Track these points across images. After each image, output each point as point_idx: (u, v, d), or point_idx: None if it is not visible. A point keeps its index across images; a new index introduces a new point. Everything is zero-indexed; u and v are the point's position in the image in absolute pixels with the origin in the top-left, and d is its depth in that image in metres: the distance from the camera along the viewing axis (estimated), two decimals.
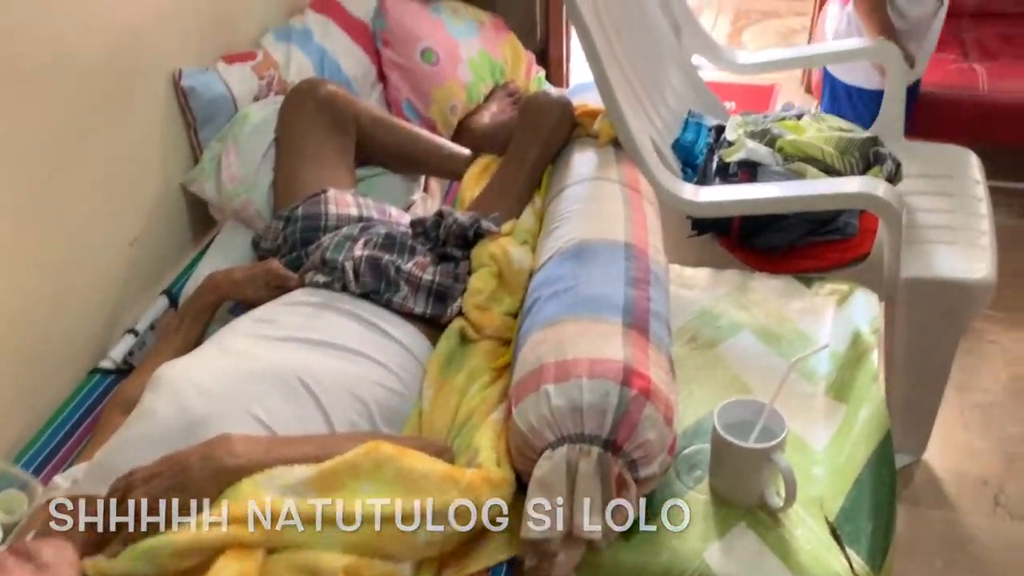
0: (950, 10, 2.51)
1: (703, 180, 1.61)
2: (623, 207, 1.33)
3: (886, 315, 1.50)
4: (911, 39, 1.94)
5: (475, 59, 1.91)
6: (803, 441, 1.16)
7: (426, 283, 1.29)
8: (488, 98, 1.98)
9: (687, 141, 1.69)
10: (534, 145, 1.49)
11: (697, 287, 1.47)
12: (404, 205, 1.69)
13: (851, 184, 1.39)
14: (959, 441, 1.76)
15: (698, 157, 1.65)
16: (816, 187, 1.41)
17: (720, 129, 1.74)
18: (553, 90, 1.62)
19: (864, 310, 1.36)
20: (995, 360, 1.93)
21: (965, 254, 1.53)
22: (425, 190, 1.78)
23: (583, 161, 1.46)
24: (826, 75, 2.16)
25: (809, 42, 3.01)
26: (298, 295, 1.30)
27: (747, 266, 1.57)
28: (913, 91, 2.06)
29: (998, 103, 2.15)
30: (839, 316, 1.36)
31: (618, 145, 1.48)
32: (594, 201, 1.34)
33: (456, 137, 1.90)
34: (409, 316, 1.27)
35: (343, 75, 1.75)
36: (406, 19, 1.84)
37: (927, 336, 1.52)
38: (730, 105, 3.15)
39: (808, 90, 3.01)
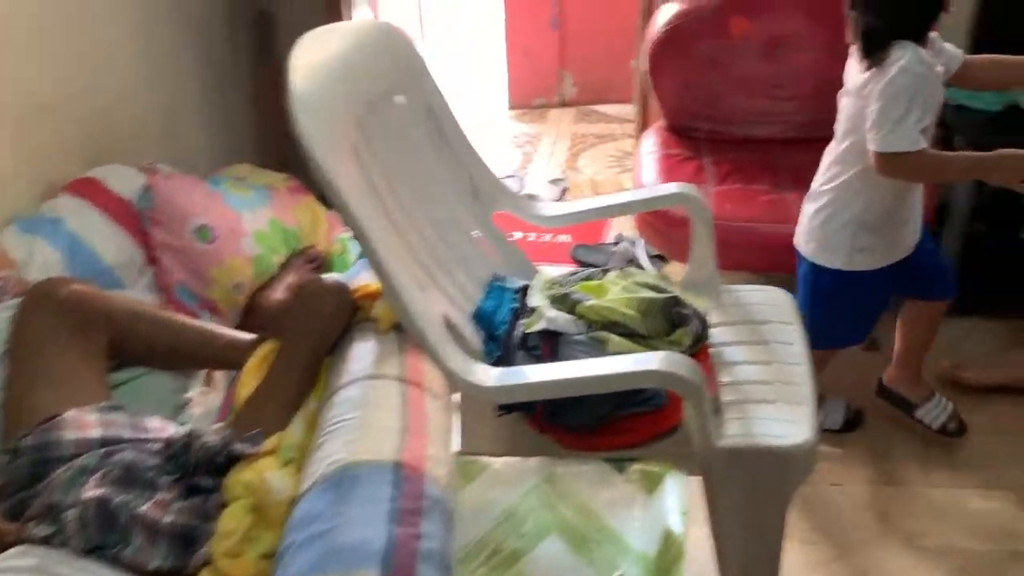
0: (762, 138, 2.56)
1: (506, 354, 1.48)
2: (399, 413, 1.17)
3: (705, 488, 1.39)
4: None
5: (263, 230, 1.77)
6: None
7: (165, 527, 1.09)
8: (284, 268, 1.83)
9: (487, 310, 1.56)
10: (306, 340, 1.34)
11: (501, 483, 1.32)
12: (177, 406, 1.49)
13: (648, 362, 1.28)
14: None
15: (499, 327, 1.53)
16: (611, 366, 1.30)
17: (527, 291, 1.63)
18: (329, 275, 1.48)
19: (675, 499, 1.25)
20: (839, 506, 1.85)
21: (784, 414, 1.44)
22: (208, 383, 1.59)
23: (360, 354, 1.31)
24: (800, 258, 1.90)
25: (633, 170, 3.01)
26: (11, 557, 1.07)
27: (557, 445, 1.44)
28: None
29: None
30: (649, 509, 1.24)
31: (403, 329, 1.34)
32: (366, 408, 1.18)
33: (246, 316, 1.73)
34: (143, 573, 1.06)
35: (101, 264, 1.57)
36: (177, 196, 1.68)
37: (752, 506, 1.41)
38: (566, 238, 3.13)
39: None
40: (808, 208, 1.87)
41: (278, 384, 1.31)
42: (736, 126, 2.55)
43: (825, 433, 2.01)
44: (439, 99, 1.69)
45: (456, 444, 1.55)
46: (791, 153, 2.46)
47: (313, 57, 1.33)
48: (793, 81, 2.50)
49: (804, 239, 1.88)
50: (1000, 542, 1.76)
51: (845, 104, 1.77)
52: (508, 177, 3.66)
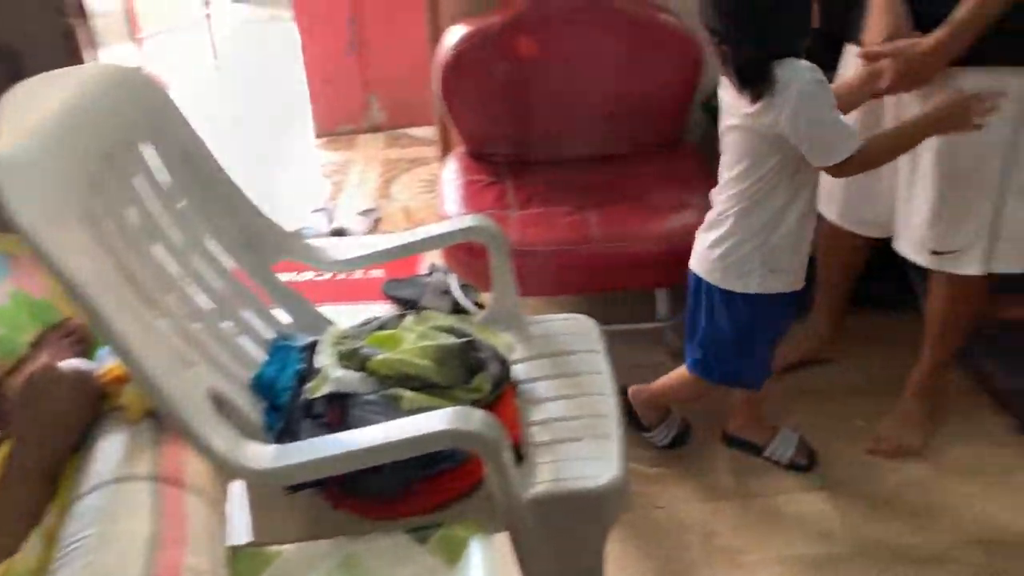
0: (562, 159, 2.53)
1: (290, 425, 1.34)
2: (149, 520, 1.01)
3: (513, 543, 1.30)
4: None
5: (4, 305, 1.53)
6: None
7: None
8: (37, 347, 1.60)
9: (268, 376, 1.42)
10: (40, 441, 1.14)
11: (292, 575, 1.18)
12: None
13: (437, 422, 1.18)
14: None
15: (282, 394, 1.39)
16: (397, 431, 1.19)
17: (315, 348, 1.50)
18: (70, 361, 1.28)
19: (479, 566, 1.15)
20: (664, 529, 1.81)
21: (592, 451, 1.38)
22: None
23: (106, 452, 1.13)
24: (696, 281, 1.79)
25: (439, 193, 2.92)
26: None
27: (358, 517, 1.32)
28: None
29: (612, 252, 2.12)
30: None
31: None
32: (109, 519, 1.01)
33: None
34: None
35: None
36: None
37: (565, 553, 1.34)
38: (379, 273, 2.98)
39: None
40: (707, 237, 1.74)
41: (8, 497, 1.11)
42: (534, 148, 2.50)
43: (652, 452, 1.99)
44: (197, 145, 1.53)
45: (244, 535, 1.39)
46: (590, 171, 2.45)
47: (23, 113, 1.16)
48: (587, 100, 2.48)
49: (707, 268, 1.75)
50: (825, 544, 1.77)
51: (737, 139, 1.63)
52: (317, 211, 3.48)
